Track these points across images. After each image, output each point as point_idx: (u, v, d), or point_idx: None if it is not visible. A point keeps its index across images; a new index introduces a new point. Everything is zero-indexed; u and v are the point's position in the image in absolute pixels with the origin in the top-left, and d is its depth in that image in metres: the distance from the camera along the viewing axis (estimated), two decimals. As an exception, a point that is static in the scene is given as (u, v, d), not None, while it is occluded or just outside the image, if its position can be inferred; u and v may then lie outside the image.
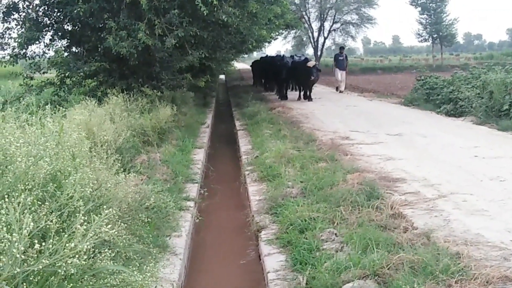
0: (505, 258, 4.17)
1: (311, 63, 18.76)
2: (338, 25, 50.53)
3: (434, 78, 16.75)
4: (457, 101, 13.77)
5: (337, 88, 23.57)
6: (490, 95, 12.34)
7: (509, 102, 11.61)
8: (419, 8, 50.56)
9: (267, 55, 25.11)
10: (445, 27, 49.94)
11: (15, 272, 2.48)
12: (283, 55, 24.76)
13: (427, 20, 50.62)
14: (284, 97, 20.06)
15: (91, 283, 2.98)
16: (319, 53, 50.31)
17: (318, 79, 19.69)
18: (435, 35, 50.62)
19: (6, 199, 2.71)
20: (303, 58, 20.92)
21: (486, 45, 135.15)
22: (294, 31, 46.72)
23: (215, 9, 9.97)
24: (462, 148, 9.07)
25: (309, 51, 52.94)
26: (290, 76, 20.01)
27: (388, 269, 3.90)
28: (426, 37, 52.35)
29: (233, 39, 13.94)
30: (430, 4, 49.81)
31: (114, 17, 10.22)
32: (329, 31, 50.67)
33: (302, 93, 19.68)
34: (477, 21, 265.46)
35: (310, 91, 19.38)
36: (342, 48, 24.84)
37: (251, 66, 31.12)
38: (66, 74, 11.70)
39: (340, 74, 22.87)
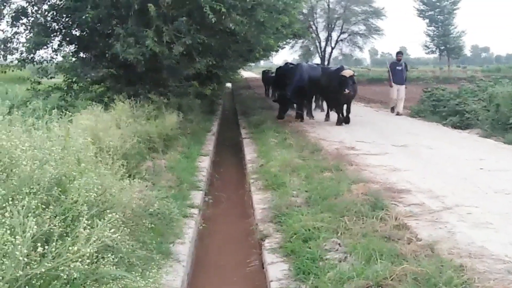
0: (509, 271, 4.14)
1: (347, 72, 13.77)
2: (345, 35, 50.72)
3: (441, 90, 16.73)
4: (464, 113, 13.75)
5: (392, 109, 17.55)
6: (496, 108, 12.32)
7: (516, 115, 11.59)
8: (427, 20, 50.72)
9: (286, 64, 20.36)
10: (453, 39, 50.02)
11: (18, 275, 2.49)
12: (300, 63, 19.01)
13: (435, 32, 50.72)
14: (300, 116, 15.55)
15: (93, 287, 2.98)
16: (326, 63, 50.37)
17: (356, 94, 14.82)
18: (442, 47, 50.71)
19: (11, 202, 2.72)
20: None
21: (494, 58, 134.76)
22: (301, 40, 46.99)
23: (223, 17, 10.01)
24: (468, 160, 9.04)
25: (316, 60, 53.05)
26: (316, 90, 15.70)
27: (391, 280, 3.88)
28: (434, 49, 52.48)
29: (240, 47, 13.99)
30: (438, 16, 49.92)
31: (122, 23, 10.29)
32: (337, 41, 50.88)
33: (331, 112, 15.28)
34: (484, 34, 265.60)
35: (349, 111, 14.49)
36: (400, 53, 17.77)
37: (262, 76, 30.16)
38: (74, 80, 11.80)
39: (397, 90, 16.90)
